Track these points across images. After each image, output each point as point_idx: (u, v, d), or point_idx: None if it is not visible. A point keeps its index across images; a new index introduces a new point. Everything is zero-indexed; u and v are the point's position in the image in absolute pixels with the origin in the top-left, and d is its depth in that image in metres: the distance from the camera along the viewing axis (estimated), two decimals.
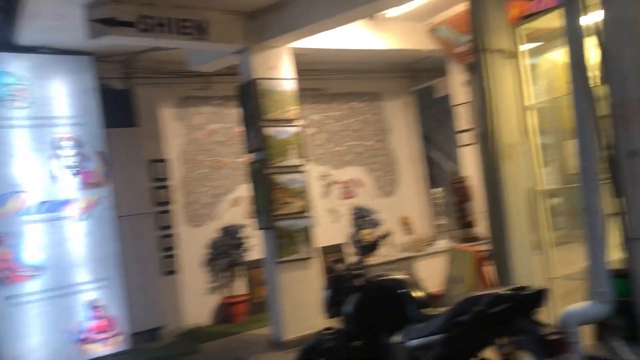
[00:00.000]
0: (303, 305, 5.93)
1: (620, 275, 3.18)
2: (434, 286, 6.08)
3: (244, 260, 7.48)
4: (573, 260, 4.61)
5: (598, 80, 3.16)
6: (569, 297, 4.00)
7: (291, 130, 6.22)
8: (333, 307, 3.86)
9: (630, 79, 2.99)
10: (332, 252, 7.66)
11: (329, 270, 3.96)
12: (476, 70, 3.98)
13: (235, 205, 7.68)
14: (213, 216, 7.54)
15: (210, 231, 7.47)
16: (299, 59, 6.43)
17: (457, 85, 7.28)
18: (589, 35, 3.16)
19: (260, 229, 6.20)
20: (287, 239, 6.07)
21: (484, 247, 5.04)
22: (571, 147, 5.43)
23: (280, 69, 6.21)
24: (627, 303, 3.12)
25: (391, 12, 6.37)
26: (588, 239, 3.19)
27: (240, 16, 5.96)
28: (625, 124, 3.03)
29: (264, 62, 6.11)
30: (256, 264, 7.23)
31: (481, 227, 7.05)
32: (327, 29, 5.98)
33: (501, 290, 3.03)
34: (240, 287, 7.49)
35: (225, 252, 7.42)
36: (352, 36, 6.59)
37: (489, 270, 4.60)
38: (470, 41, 4.11)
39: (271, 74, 6.14)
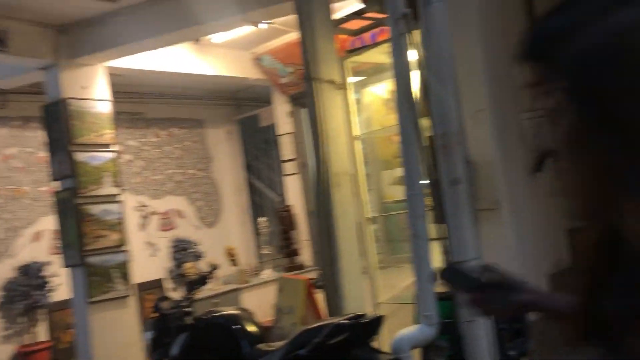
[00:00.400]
0: (119, 348, 5.42)
1: (444, 298, 3.34)
2: (262, 318, 5.96)
3: (47, 302, 6.64)
4: (393, 284, 4.84)
5: (422, 113, 3.34)
6: (391, 320, 4.13)
7: (106, 156, 5.74)
8: (158, 349, 3.57)
9: (451, 112, 3.20)
10: (151, 288, 7.16)
11: (154, 308, 3.63)
12: (307, 99, 4.00)
13: (37, 240, 6.83)
14: (8, 253, 6.61)
15: (4, 270, 6.53)
16: (115, 79, 5.98)
17: (281, 115, 7.36)
18: (415, 69, 3.34)
19: (68, 266, 5.57)
20: (101, 276, 5.54)
21: (313, 275, 5.06)
22: (388, 177, 5.78)
23: (93, 89, 5.73)
24: (451, 324, 3.27)
25: (217, 38, 6.24)
26: (415, 264, 3.30)
27: (49, 29, 5.37)
28: (446, 155, 3.22)
29: (76, 80, 5.59)
30: (61, 306, 6.46)
31: (305, 255, 7.14)
32: (147, 50, 5.68)
33: (339, 320, 3.00)
34: (41, 332, 6.62)
35: (23, 293, 6.52)
36: (175, 59, 6.32)
37: (320, 298, 4.59)
38: (301, 70, 4.13)
39: (83, 94, 5.63)
